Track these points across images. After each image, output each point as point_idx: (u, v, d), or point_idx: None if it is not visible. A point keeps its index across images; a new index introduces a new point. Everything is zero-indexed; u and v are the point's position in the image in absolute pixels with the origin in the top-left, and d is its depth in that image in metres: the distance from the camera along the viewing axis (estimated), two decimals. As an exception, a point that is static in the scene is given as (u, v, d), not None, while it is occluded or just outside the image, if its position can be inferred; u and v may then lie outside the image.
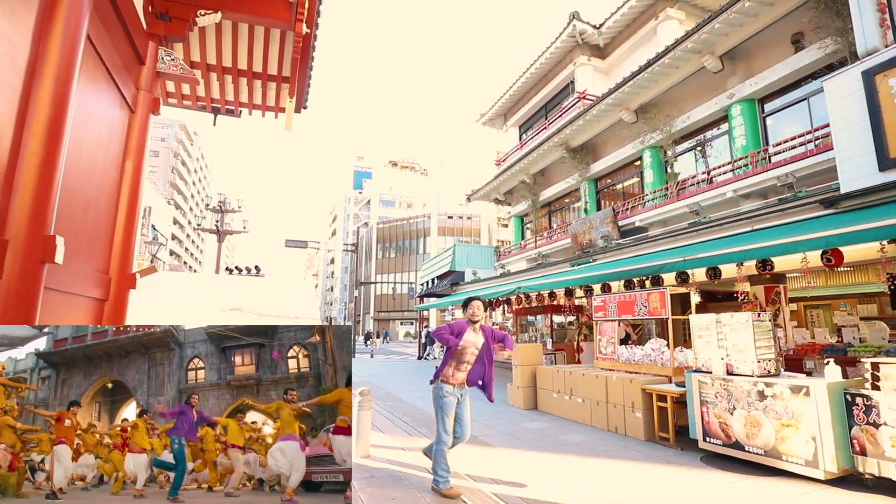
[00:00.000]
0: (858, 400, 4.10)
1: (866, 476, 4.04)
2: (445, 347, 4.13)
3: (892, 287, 7.25)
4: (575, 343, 13.40)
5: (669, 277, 8.85)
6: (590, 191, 14.74)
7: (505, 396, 8.99)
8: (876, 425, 3.96)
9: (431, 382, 4.18)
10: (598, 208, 14.46)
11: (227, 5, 4.33)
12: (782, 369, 5.04)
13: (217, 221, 20.37)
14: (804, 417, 4.26)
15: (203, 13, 4.38)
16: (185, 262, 67.68)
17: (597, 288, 10.52)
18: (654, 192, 11.61)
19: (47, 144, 2.40)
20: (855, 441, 4.09)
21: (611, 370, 7.04)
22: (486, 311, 4.43)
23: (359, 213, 68.93)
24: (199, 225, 21.53)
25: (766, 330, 4.95)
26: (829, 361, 4.50)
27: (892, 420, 3.88)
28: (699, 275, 8.72)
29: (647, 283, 9.09)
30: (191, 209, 75.17)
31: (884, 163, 6.00)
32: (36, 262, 2.29)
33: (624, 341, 7.95)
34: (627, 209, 12.36)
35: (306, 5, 4.37)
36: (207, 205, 21.08)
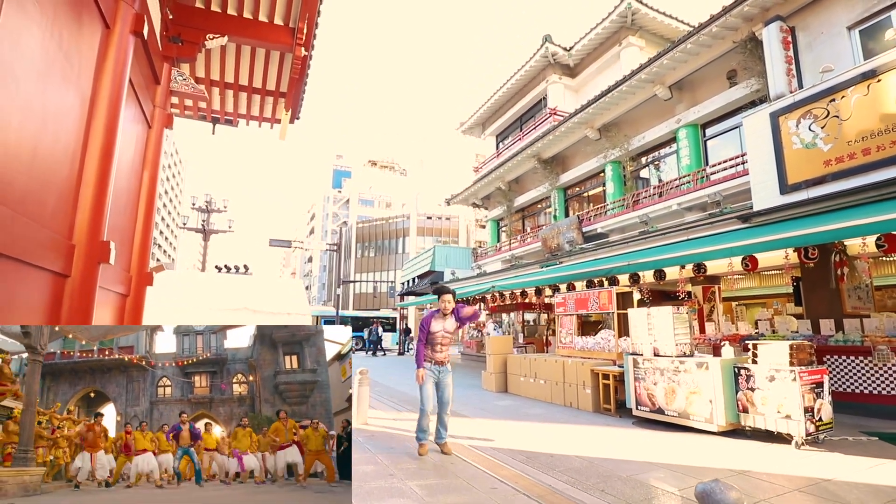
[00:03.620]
0: (742, 371, 5.46)
1: (746, 428, 5.41)
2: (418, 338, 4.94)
3: (795, 287, 8.79)
4: (544, 338, 14.77)
5: (624, 278, 10.23)
6: (559, 198, 16.12)
7: (479, 382, 10.22)
8: (752, 389, 5.33)
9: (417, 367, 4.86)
10: (567, 215, 15.85)
11: (234, 30, 4.86)
12: (695, 351, 6.39)
13: (203, 221, 21.00)
14: (705, 386, 5.61)
15: (211, 37, 4.84)
16: (157, 260, 66.87)
17: (563, 287, 11.85)
18: (614, 202, 13.03)
19: (102, 164, 2.85)
20: (739, 402, 5.45)
21: (568, 356, 8.34)
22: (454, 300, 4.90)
23: (338, 211, 69.32)
24: (184, 224, 22.06)
25: (684, 321, 6.29)
26: (724, 344, 5.87)
27: (763, 385, 5.24)
28: (648, 276, 10.14)
29: (606, 282, 10.45)
30: (164, 206, 74.13)
31: (784, 188, 7.45)
32: (95, 263, 2.67)
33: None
34: (591, 217, 13.76)
35: (305, 31, 5.31)
36: (193, 204, 21.68)
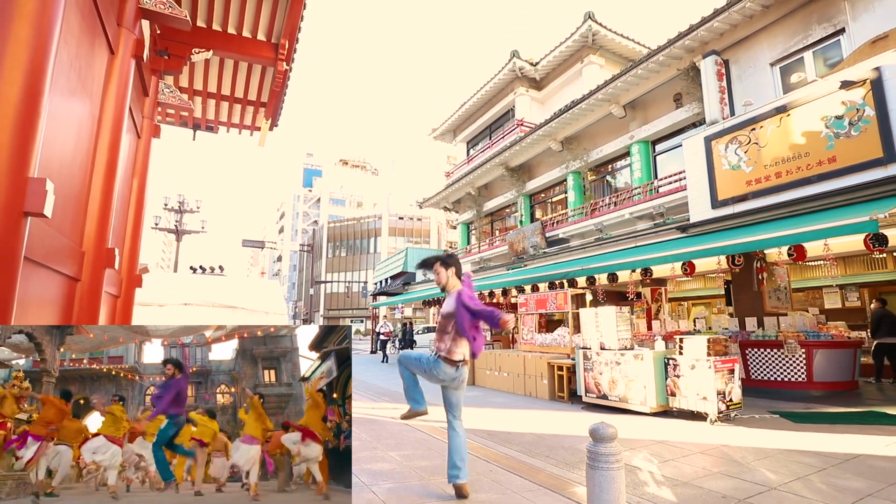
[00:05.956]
0: (671, 361, 6.45)
1: (674, 409, 6.40)
2: None
3: (727, 289, 9.96)
4: (510, 336, 15.71)
5: (582, 280, 11.22)
6: (525, 205, 17.10)
7: (449, 376, 11.04)
8: (678, 377, 6.31)
9: None
10: (532, 220, 16.83)
11: (219, 45, 5.18)
12: (636, 345, 7.36)
13: (177, 221, 21.01)
14: (640, 374, 6.57)
15: (197, 51, 5.15)
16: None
17: (528, 288, 12.78)
18: (575, 210, 14.07)
19: (107, 177, 3.17)
20: (668, 387, 6.43)
21: (529, 351, 9.24)
22: (446, 269, 3.40)
23: (308, 210, 68.96)
24: (155, 224, 21.99)
25: (626, 319, 7.25)
26: (657, 338, 6.85)
27: (686, 373, 6.23)
28: (603, 278, 11.16)
29: (566, 284, 11.42)
30: (127, 202, 71.57)
31: (714, 203, 8.55)
32: (101, 268, 2.93)
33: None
34: (553, 223, 14.77)
35: (287, 47, 5.70)
36: (165, 205, 21.64)
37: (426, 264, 3.44)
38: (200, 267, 17.77)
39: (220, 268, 17.99)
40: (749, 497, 3.45)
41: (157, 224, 21.99)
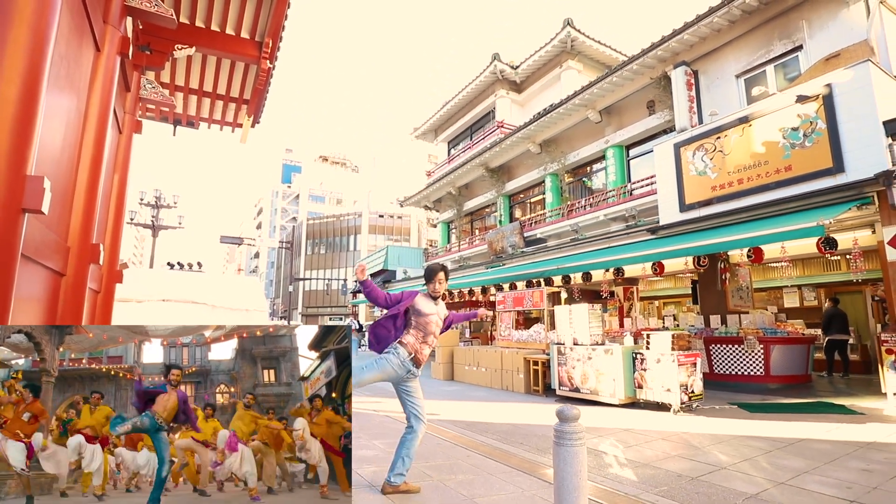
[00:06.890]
0: (638, 356, 6.84)
1: (641, 400, 6.79)
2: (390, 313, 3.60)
3: (693, 288, 10.46)
4: (489, 332, 16.07)
5: (558, 279, 11.61)
6: (504, 205, 17.46)
7: (429, 372, 11.29)
8: (645, 370, 6.71)
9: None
10: (511, 220, 17.20)
11: (202, 42, 5.21)
12: (607, 340, 7.75)
13: (153, 216, 20.67)
14: (610, 368, 6.94)
15: (180, 48, 5.17)
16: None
17: (506, 286, 13.12)
18: (552, 210, 14.48)
19: (92, 173, 3.25)
20: (635, 380, 6.83)
21: (506, 347, 9.56)
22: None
23: (287, 207, 68.17)
24: (131, 219, 21.59)
25: (597, 316, 7.63)
26: (626, 334, 7.24)
27: (652, 366, 6.63)
28: (578, 277, 11.57)
29: (543, 283, 11.79)
30: (98, 196, 69.44)
31: (682, 206, 9.01)
32: (86, 263, 2.99)
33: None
34: (531, 223, 15.16)
35: (270, 45, 5.84)
36: (141, 199, 21.26)
37: (435, 270, 3.62)
38: (178, 263, 17.57)
39: (199, 264, 17.83)
40: (701, 476, 3.81)
41: (132, 219, 21.56)
